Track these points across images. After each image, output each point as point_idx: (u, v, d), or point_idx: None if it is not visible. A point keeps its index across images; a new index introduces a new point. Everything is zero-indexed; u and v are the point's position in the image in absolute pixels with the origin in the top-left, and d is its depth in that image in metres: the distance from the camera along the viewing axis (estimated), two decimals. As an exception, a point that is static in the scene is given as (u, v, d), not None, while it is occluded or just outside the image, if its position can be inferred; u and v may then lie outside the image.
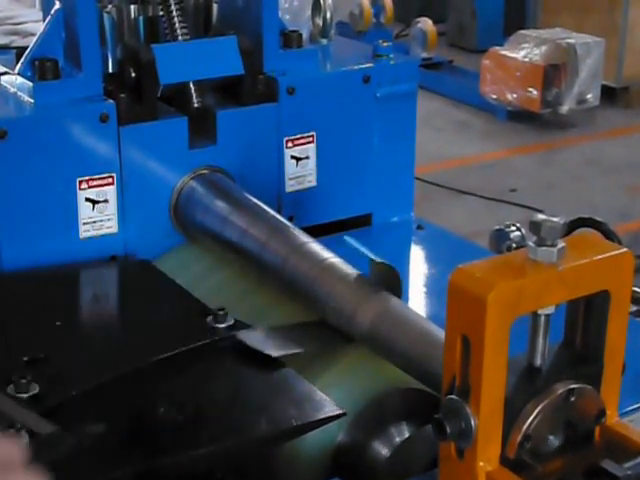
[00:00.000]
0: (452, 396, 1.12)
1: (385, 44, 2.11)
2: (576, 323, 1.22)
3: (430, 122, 7.24)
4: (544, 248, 1.10)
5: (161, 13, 1.95)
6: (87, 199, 1.80)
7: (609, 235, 2.64)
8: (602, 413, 1.21)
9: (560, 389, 1.16)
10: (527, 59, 6.90)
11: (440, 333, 1.42)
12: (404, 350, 1.43)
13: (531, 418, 1.13)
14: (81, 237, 1.81)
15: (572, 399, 1.17)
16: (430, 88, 7.86)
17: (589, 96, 6.91)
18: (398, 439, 1.45)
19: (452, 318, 1.11)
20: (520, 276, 1.09)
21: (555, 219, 1.10)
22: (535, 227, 1.10)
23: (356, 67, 2.07)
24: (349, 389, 1.47)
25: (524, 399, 1.14)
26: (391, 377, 1.49)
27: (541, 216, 1.11)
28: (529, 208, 5.59)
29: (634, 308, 2.55)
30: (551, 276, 1.09)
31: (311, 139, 2.02)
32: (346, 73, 2.07)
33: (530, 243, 1.11)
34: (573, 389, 1.17)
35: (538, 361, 1.16)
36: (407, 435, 1.45)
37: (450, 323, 1.11)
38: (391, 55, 2.10)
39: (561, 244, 1.10)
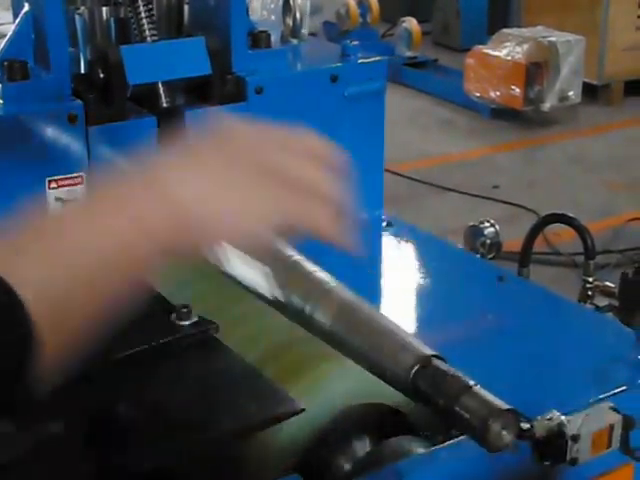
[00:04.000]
0: None
1: (353, 43, 2.14)
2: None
3: (415, 120, 7.28)
4: None
5: (130, 14, 1.97)
6: (57, 198, 1.82)
7: (580, 231, 2.67)
8: None
9: None
10: (509, 57, 6.95)
11: (399, 331, 1.44)
12: (362, 349, 1.45)
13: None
14: (51, 236, 1.83)
15: None
16: (415, 87, 7.92)
17: (571, 93, 6.96)
18: (360, 453, 1.49)
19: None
20: None
21: None
22: None
23: (324, 67, 2.09)
24: (317, 400, 1.50)
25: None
26: (362, 389, 1.52)
27: None
28: (512, 204, 5.63)
29: (606, 302, 2.59)
30: None
31: (280, 138, 2.04)
32: (314, 72, 2.10)
33: None
34: None
35: None
36: (369, 449, 1.48)
37: None
38: (359, 54, 2.12)
39: None
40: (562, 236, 4.53)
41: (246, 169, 1.01)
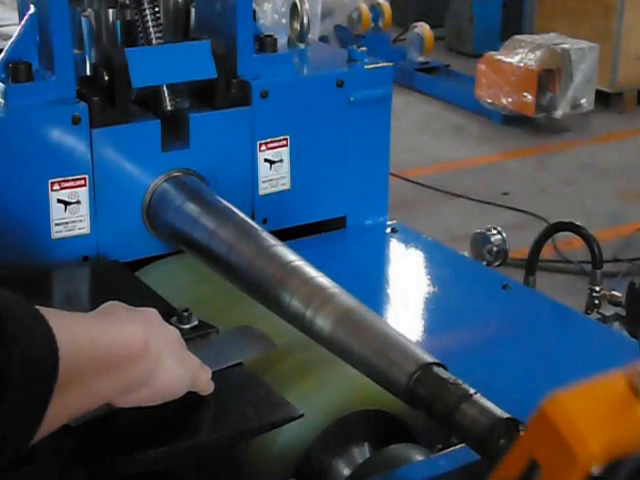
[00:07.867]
0: None
1: (361, 49, 2.13)
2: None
3: (426, 126, 7.27)
4: None
5: (136, 17, 1.97)
6: (59, 200, 1.82)
7: (587, 239, 2.65)
8: None
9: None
10: (522, 64, 6.93)
11: (401, 338, 1.44)
12: (363, 355, 1.44)
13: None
14: (53, 237, 1.83)
15: None
16: (427, 92, 7.91)
17: (583, 101, 6.93)
18: (359, 459, 1.48)
19: (529, 440, 1.01)
20: (623, 429, 0.97)
21: None
22: None
23: (329, 71, 2.09)
24: (317, 406, 1.49)
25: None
26: (362, 396, 1.51)
27: None
28: (521, 211, 5.61)
29: (611, 312, 2.57)
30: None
31: (285, 142, 2.04)
32: (319, 77, 2.09)
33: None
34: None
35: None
36: (368, 456, 1.48)
37: (525, 443, 1.02)
38: (365, 60, 2.12)
39: None
40: (573, 244, 4.51)
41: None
